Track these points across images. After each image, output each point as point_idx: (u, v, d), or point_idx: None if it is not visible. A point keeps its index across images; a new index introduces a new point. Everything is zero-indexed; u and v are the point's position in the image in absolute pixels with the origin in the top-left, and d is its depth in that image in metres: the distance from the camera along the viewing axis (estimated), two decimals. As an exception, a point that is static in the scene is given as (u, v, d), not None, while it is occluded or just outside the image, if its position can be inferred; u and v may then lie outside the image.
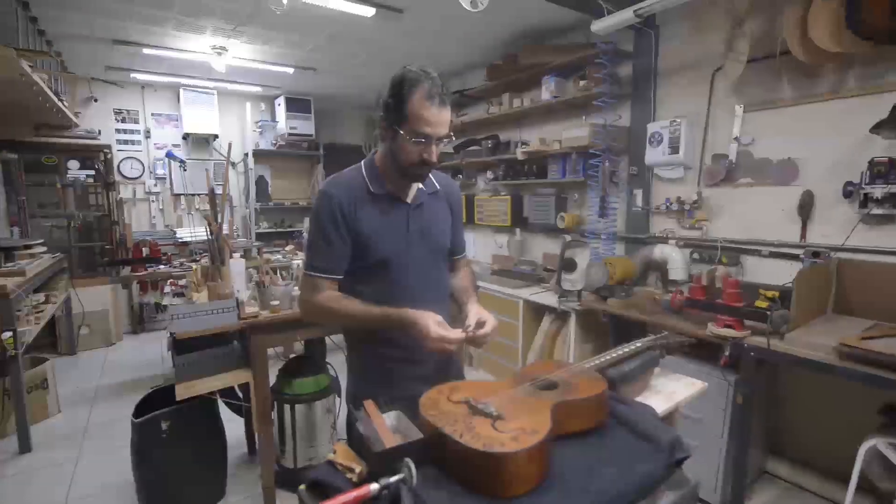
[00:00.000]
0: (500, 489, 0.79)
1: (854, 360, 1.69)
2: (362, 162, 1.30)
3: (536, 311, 3.37)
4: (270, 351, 3.28)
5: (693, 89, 2.79)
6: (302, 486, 0.93)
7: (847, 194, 2.19)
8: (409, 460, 0.80)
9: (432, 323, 1.09)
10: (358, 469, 0.87)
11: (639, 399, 1.18)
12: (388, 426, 0.95)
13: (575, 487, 0.82)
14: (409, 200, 1.28)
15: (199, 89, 5.08)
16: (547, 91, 3.40)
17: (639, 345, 1.27)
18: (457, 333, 1.12)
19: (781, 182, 2.45)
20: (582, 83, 3.10)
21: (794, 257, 2.41)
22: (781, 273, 2.42)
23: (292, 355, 3.64)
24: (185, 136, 5.26)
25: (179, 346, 2.01)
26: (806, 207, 2.35)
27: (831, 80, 2.26)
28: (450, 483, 0.82)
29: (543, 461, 0.84)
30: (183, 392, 1.89)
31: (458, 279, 1.42)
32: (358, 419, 0.99)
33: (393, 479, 0.78)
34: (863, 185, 2.12)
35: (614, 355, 1.21)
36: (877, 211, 2.09)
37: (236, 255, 2.29)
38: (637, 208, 3.10)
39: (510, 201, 3.99)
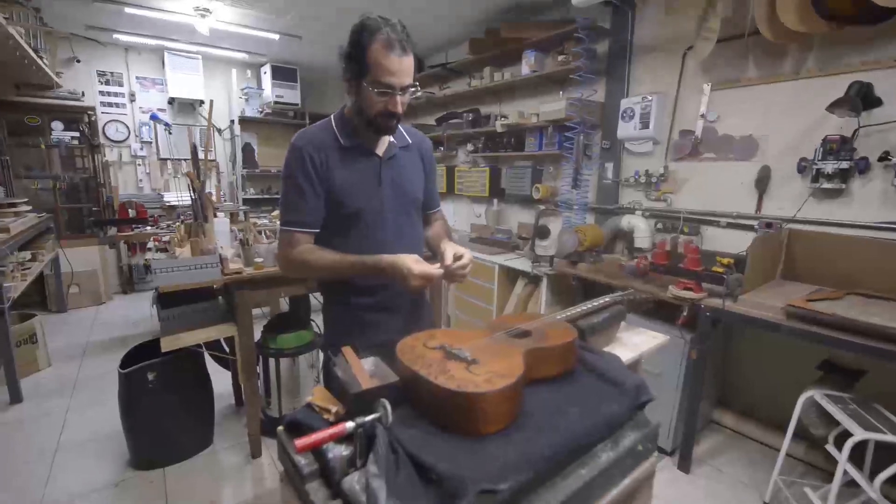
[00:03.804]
0: (473, 428, 0.76)
1: (799, 320, 1.72)
2: (332, 115, 1.21)
3: (511, 276, 3.36)
4: (257, 311, 3.21)
5: (665, 67, 2.74)
6: (280, 428, 0.90)
7: (801, 169, 2.20)
8: (384, 400, 0.76)
9: (411, 262, 1.05)
10: (335, 409, 0.83)
11: (606, 350, 1.17)
12: (365, 371, 0.91)
13: (544, 425, 0.80)
14: (380, 153, 1.21)
15: (184, 53, 4.77)
16: (527, 65, 3.29)
17: (607, 299, 1.26)
18: (436, 268, 1.08)
19: (742, 157, 2.44)
20: (561, 58, 3.00)
21: (750, 228, 2.43)
22: (737, 242, 2.44)
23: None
24: (171, 101, 4.97)
25: (164, 300, 1.93)
26: (763, 182, 2.36)
27: (793, 61, 2.23)
28: (424, 423, 0.79)
29: (515, 402, 0.81)
30: (168, 344, 1.82)
31: (430, 230, 1.36)
32: (336, 364, 0.95)
33: (368, 417, 0.75)
34: (815, 162, 2.13)
35: (584, 308, 1.19)
36: (827, 185, 2.11)
37: (221, 214, 2.18)
38: (608, 180, 3.07)
39: (488, 173, 3.92)
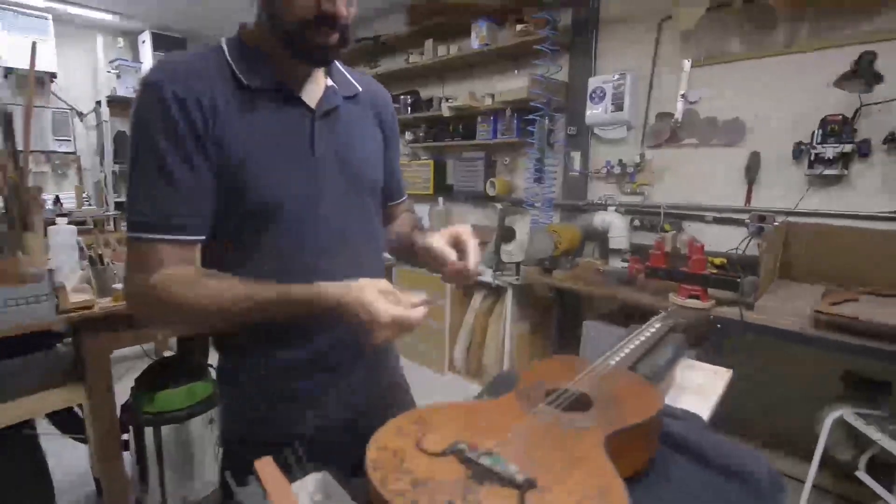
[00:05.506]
0: None
1: (831, 328, 1.55)
2: (222, 39, 0.72)
3: (466, 288, 3.02)
4: (136, 349, 2.56)
5: (637, 41, 2.56)
6: None
7: (797, 154, 2.09)
8: None
9: (375, 296, 0.61)
10: None
11: (668, 401, 0.85)
12: (305, 514, 0.49)
13: None
14: (312, 103, 0.74)
15: (24, 10, 3.88)
16: (477, 38, 2.99)
17: (658, 326, 0.93)
18: (417, 306, 0.64)
19: (728, 143, 2.31)
20: (520, 27, 2.72)
21: (739, 222, 2.30)
22: (725, 239, 2.30)
23: (167, 353, 2.93)
24: (7, 74, 4.02)
25: (-41, 355, 1.32)
26: (753, 169, 2.24)
27: (785, 33, 2.12)
28: None
29: (627, 570, 0.44)
30: (-39, 428, 1.22)
31: (395, 228, 0.95)
32: (243, 500, 0.51)
33: None
34: (814, 145, 2.03)
35: (636, 344, 0.85)
36: (828, 172, 2.01)
37: (62, 220, 1.58)
38: (575, 172, 2.84)
39: (432, 166, 3.57)
